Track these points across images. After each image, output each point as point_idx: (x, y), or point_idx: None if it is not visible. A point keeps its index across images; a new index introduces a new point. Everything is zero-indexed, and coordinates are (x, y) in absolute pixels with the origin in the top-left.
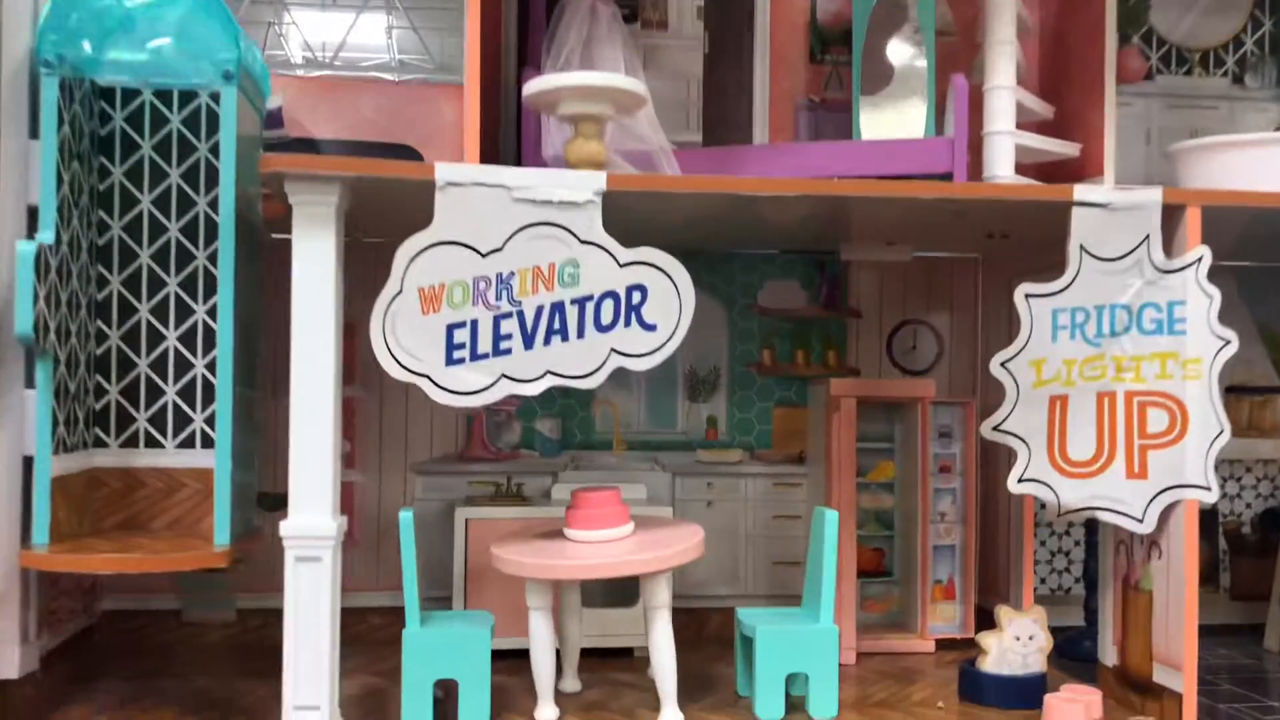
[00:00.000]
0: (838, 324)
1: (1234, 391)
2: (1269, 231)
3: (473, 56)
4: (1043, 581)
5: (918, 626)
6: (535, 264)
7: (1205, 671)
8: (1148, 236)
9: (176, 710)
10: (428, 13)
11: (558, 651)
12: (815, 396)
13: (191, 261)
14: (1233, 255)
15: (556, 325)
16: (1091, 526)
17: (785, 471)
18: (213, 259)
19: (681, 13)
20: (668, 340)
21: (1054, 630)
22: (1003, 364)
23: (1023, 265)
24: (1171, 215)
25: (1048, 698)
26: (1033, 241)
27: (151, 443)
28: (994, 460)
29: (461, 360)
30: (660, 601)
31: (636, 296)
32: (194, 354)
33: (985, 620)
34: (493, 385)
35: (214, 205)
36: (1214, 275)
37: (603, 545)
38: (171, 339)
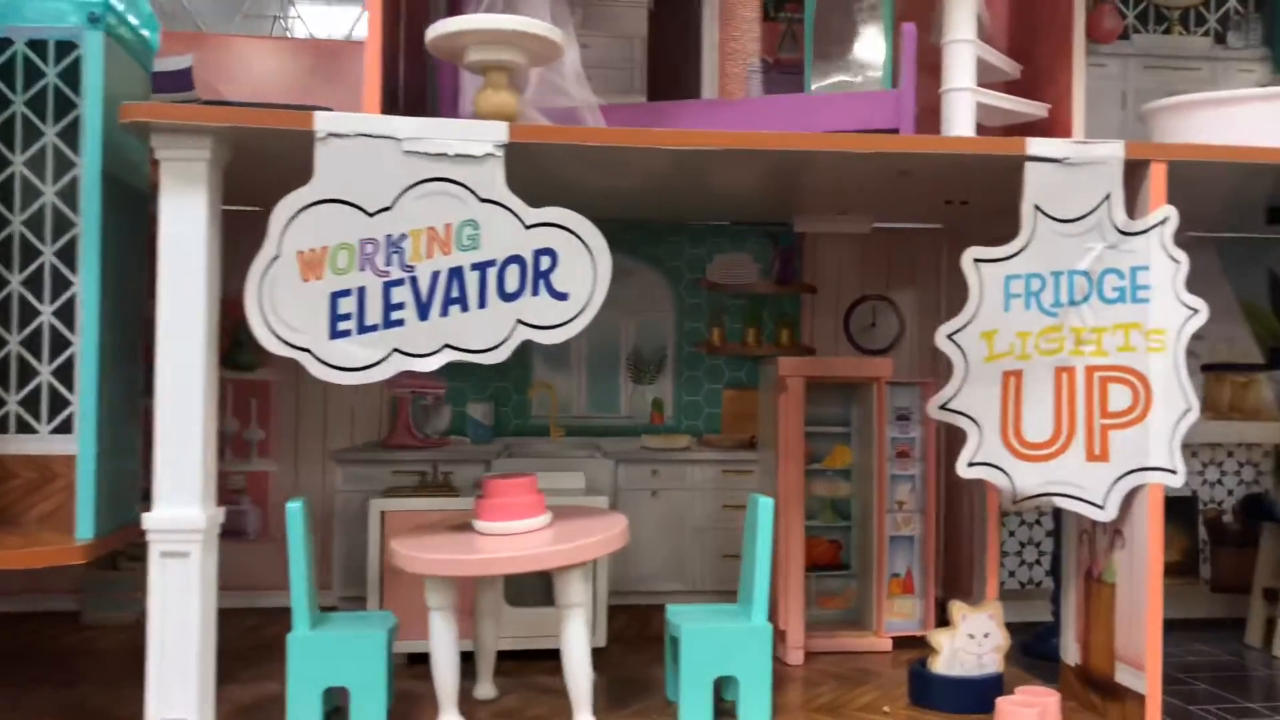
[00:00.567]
0: (792, 300)
1: (1214, 370)
2: (1247, 198)
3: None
4: (1011, 574)
5: (874, 624)
6: (430, 225)
7: (1180, 669)
8: (1109, 195)
9: None
10: None
11: (473, 655)
12: (766, 377)
13: (70, 229)
14: (1214, 227)
15: (455, 293)
16: (1064, 515)
17: (735, 458)
18: None
19: None
20: (582, 310)
21: (1023, 626)
22: (949, 336)
23: (990, 236)
24: (1135, 172)
25: (999, 701)
26: (996, 209)
27: (24, 428)
28: (957, 444)
29: (347, 332)
30: (572, 599)
31: (545, 261)
32: (71, 331)
33: (939, 621)
34: (383, 360)
35: None
36: (1195, 248)
37: (514, 538)
38: (46, 314)
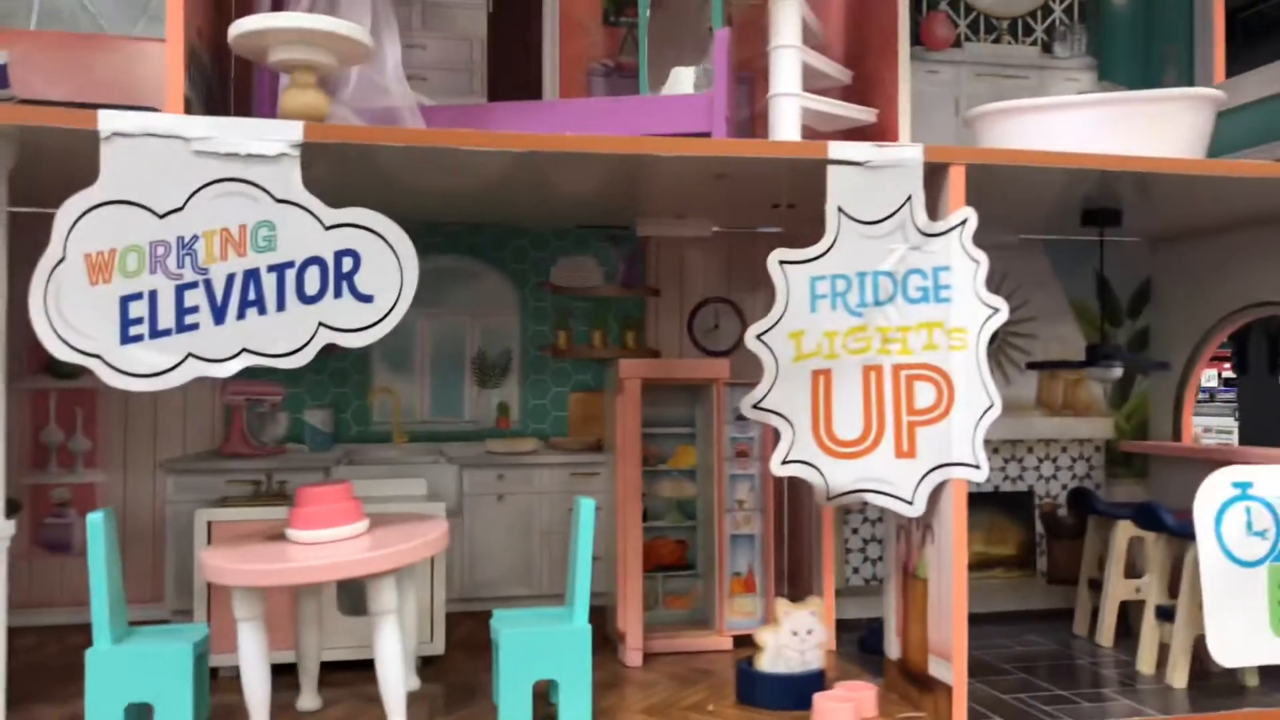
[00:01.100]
0: (637, 303)
1: (1039, 367)
2: (1066, 202)
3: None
4: (855, 570)
5: (716, 623)
6: (223, 225)
7: (1006, 660)
8: (910, 198)
9: None
10: None
11: (295, 666)
12: (612, 380)
13: None
14: (1043, 230)
15: (252, 296)
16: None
17: (583, 460)
18: None
19: None
20: (388, 313)
21: (866, 621)
22: (758, 336)
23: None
24: (935, 175)
25: (816, 697)
26: (823, 213)
27: None
28: None
29: (139, 337)
30: (383, 606)
31: (348, 263)
32: None
33: None
34: (178, 366)
35: None
36: (1026, 250)
37: (326, 546)
38: None
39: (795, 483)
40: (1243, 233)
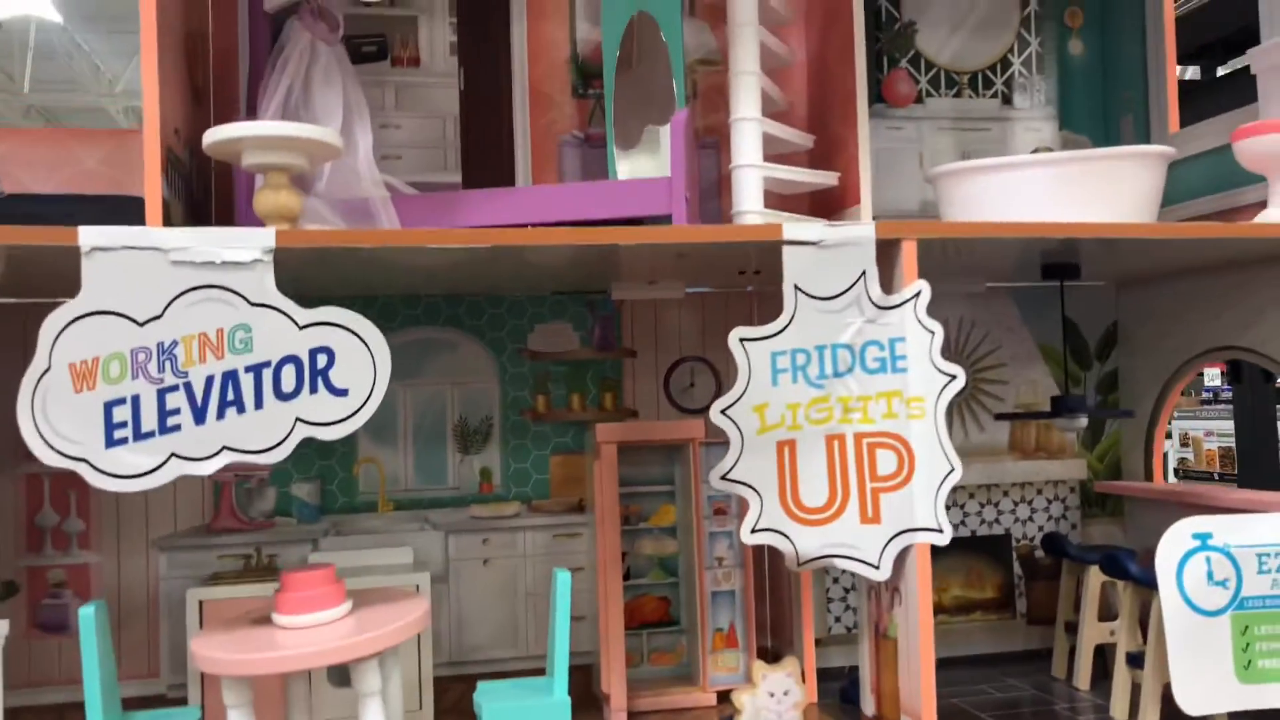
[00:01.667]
0: (614, 365)
1: (1006, 418)
2: (1028, 258)
3: (150, 97)
4: (837, 619)
5: (699, 679)
6: (201, 330)
7: (983, 707)
8: (864, 273)
9: None
10: None
11: None
12: (591, 442)
13: None
14: (1009, 279)
15: (231, 396)
16: None
17: (565, 521)
18: None
19: (434, 48)
20: (363, 405)
21: (845, 670)
22: (723, 411)
23: None
24: (888, 250)
25: None
26: None
27: None
28: None
29: (124, 440)
30: (369, 687)
31: (322, 359)
32: None
33: (771, 662)
34: (161, 466)
35: None
36: (994, 298)
37: (312, 631)
38: None
39: None
40: (1202, 278)
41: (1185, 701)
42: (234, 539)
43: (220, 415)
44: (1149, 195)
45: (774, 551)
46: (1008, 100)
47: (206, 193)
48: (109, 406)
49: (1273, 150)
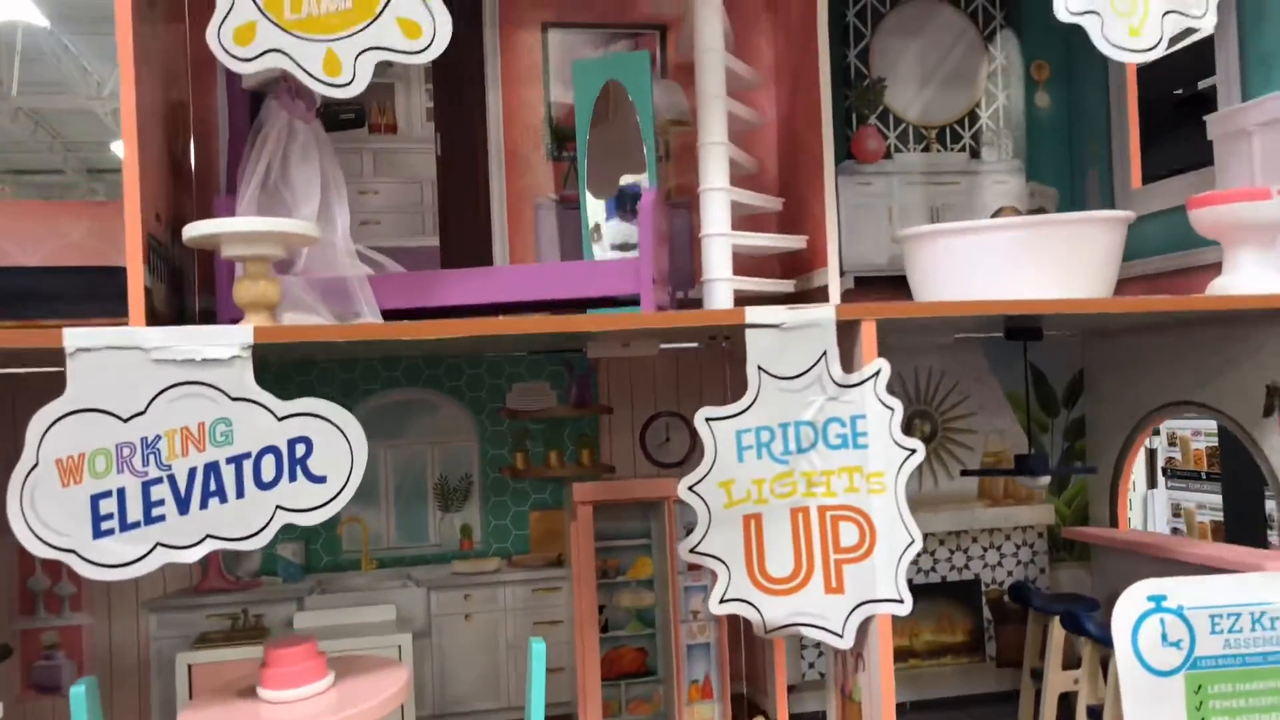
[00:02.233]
0: (590, 422)
1: (971, 474)
2: (993, 319)
3: (130, 187)
4: (810, 665)
5: None
6: (184, 424)
7: None
8: (825, 353)
9: None
10: None
11: None
12: (569, 498)
13: None
14: (979, 329)
15: (213, 486)
16: None
17: (544, 576)
18: None
19: (411, 115)
20: (340, 492)
21: (820, 715)
22: (690, 488)
23: None
24: (848, 330)
25: None
26: None
27: None
28: None
29: (110, 531)
30: None
31: (300, 449)
32: None
33: (750, 711)
34: (147, 555)
35: None
36: (963, 348)
37: (297, 705)
38: None
39: None
40: (1163, 333)
41: None
42: (221, 599)
43: (203, 505)
44: (1110, 258)
45: None
46: (975, 154)
47: (189, 260)
48: (95, 499)
49: (1226, 220)
